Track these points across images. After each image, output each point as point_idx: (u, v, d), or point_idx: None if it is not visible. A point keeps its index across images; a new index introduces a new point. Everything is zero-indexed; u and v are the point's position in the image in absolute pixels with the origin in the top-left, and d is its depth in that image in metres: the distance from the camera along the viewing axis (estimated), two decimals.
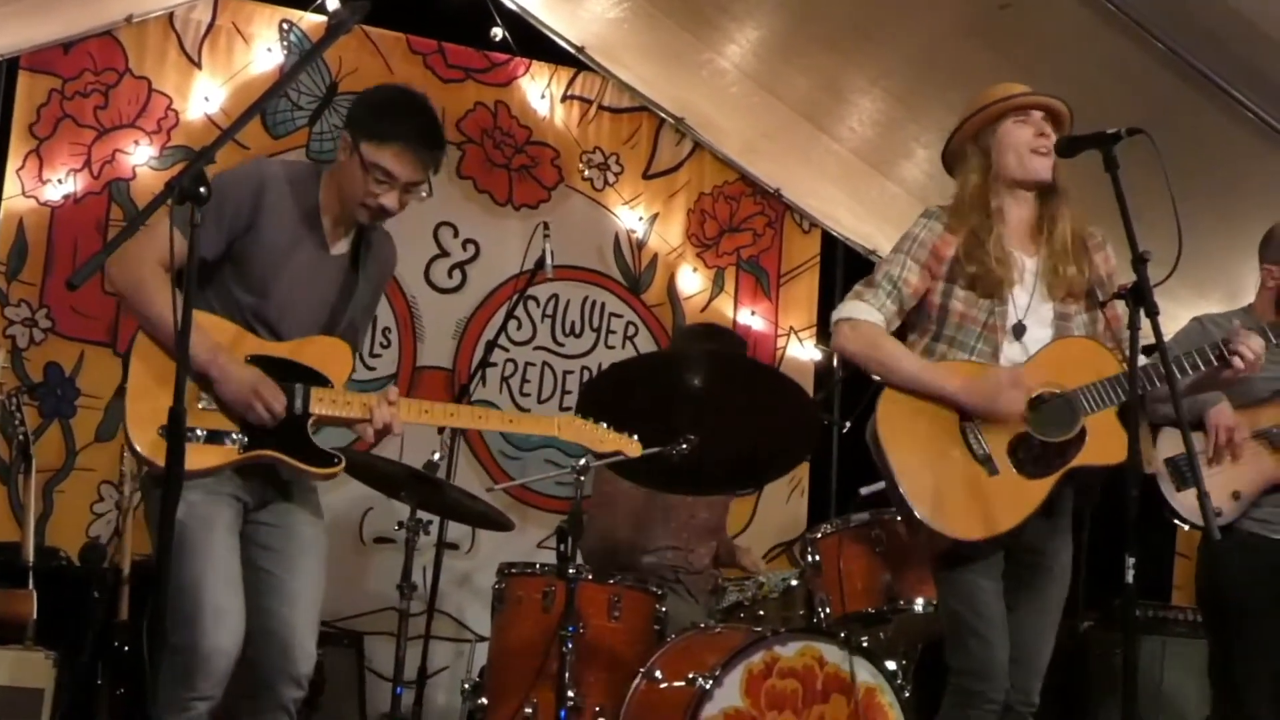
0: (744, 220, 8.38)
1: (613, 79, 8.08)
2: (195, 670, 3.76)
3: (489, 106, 7.91)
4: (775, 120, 7.72)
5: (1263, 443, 5.02)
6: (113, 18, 7.22)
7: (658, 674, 5.03)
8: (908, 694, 5.10)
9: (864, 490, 5.47)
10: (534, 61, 7.98)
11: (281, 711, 3.96)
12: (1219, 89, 5.78)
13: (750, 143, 8.16)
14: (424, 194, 4.11)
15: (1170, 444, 5.06)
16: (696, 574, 6.18)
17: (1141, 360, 3.81)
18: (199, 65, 7.41)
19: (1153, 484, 5.05)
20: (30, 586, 5.70)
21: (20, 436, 6.22)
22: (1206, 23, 5.58)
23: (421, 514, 5.94)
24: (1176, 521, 5.15)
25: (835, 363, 8.03)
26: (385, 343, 7.58)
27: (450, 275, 7.79)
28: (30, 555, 5.86)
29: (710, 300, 8.26)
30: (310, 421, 3.96)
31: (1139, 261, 3.72)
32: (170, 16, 7.38)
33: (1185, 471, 4.98)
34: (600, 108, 8.15)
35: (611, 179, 8.13)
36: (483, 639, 6.90)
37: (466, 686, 5.57)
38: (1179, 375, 4.04)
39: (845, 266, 8.33)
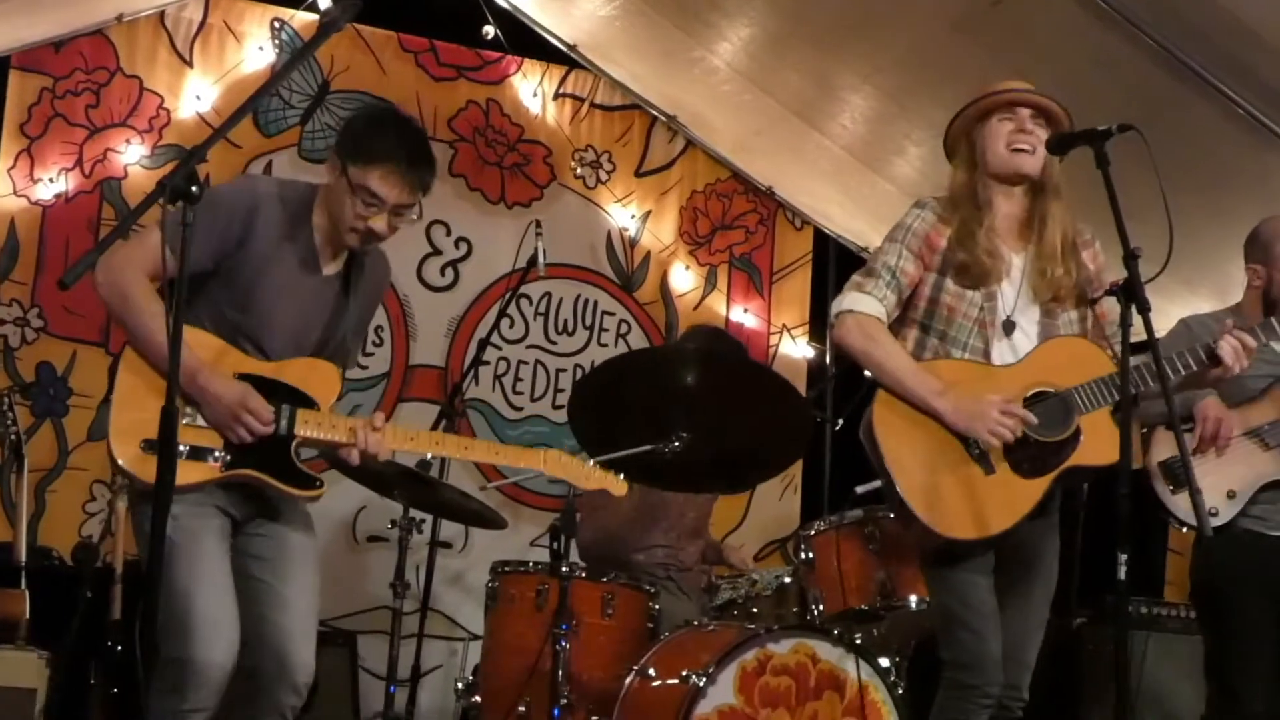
0: (736, 218, 8.39)
1: (605, 77, 8.09)
2: (189, 683, 3.75)
3: (481, 105, 7.91)
4: (767, 118, 7.72)
5: (1256, 441, 5.02)
6: (104, 16, 7.21)
7: (651, 672, 5.03)
8: (901, 690, 5.10)
9: (859, 489, 5.47)
10: (526, 59, 7.99)
11: (280, 719, 3.96)
12: (1209, 85, 5.79)
13: (742, 140, 8.16)
14: (414, 217, 4.09)
15: (1164, 446, 5.06)
16: (688, 571, 6.18)
17: (1133, 360, 3.82)
18: (190, 64, 7.40)
19: (1145, 481, 5.05)
20: (22, 586, 5.70)
21: (12, 436, 6.21)
22: (1196, 19, 5.59)
23: (414, 513, 5.94)
24: (1171, 524, 5.15)
25: (828, 360, 8.07)
26: (378, 341, 7.57)
27: (443, 274, 7.79)
28: (22, 555, 5.86)
29: (703, 298, 8.26)
30: (294, 443, 3.95)
31: (1130, 258, 3.72)
32: (161, 15, 7.38)
33: (1179, 473, 4.98)
34: (592, 106, 8.15)
35: (604, 177, 8.13)
36: (476, 637, 6.92)
37: (460, 685, 5.57)
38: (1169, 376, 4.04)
39: (837, 264, 8.34)
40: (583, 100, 8.14)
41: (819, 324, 8.30)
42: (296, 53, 7.45)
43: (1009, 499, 4.06)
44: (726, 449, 5.06)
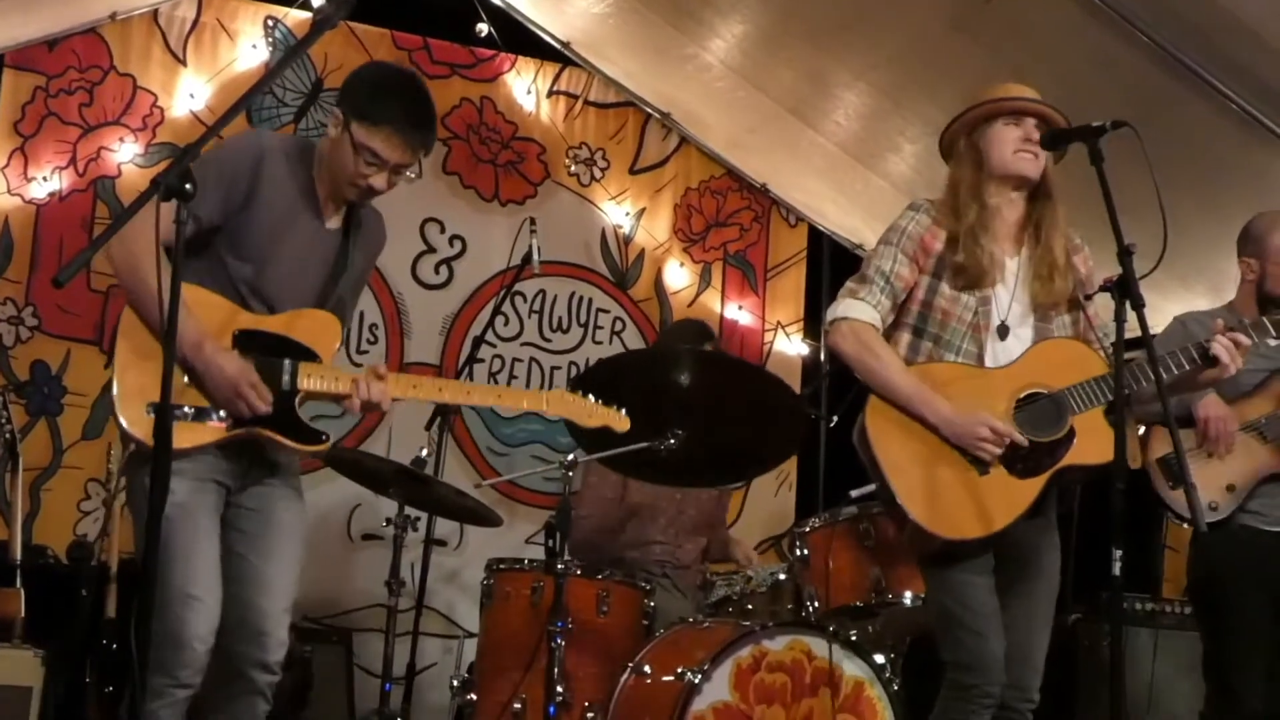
0: (730, 215, 8.39)
1: (598, 74, 8.09)
2: (173, 660, 3.76)
3: (475, 102, 7.91)
4: (761, 115, 7.73)
5: (1254, 434, 5.04)
6: (97, 15, 7.21)
7: (646, 668, 5.04)
8: (896, 687, 5.11)
9: (854, 493, 5.47)
10: (520, 57, 7.98)
11: (256, 695, 3.97)
12: (1203, 82, 5.79)
13: (736, 137, 8.17)
14: (412, 175, 4.10)
15: (1163, 443, 5.07)
16: (684, 569, 6.18)
17: (1127, 356, 3.82)
18: (184, 62, 7.40)
19: (1140, 477, 5.06)
20: (18, 585, 5.70)
21: (7, 435, 6.20)
22: (1191, 17, 5.60)
23: (409, 510, 5.94)
24: (1174, 520, 5.17)
25: (823, 358, 8.07)
26: (372, 339, 7.57)
27: (437, 271, 7.79)
28: (18, 553, 5.85)
29: (697, 295, 8.26)
30: (299, 397, 3.95)
31: (1124, 254, 3.72)
32: (155, 13, 7.38)
33: (1177, 469, 4.99)
34: (586, 103, 8.15)
35: (598, 174, 8.14)
36: (471, 635, 6.93)
37: (455, 682, 5.57)
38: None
39: (832, 261, 8.35)
40: (576, 98, 8.14)
41: (813, 321, 8.31)
42: (290, 50, 7.49)
43: (1004, 499, 4.06)
44: (721, 446, 5.07)
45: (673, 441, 4.87)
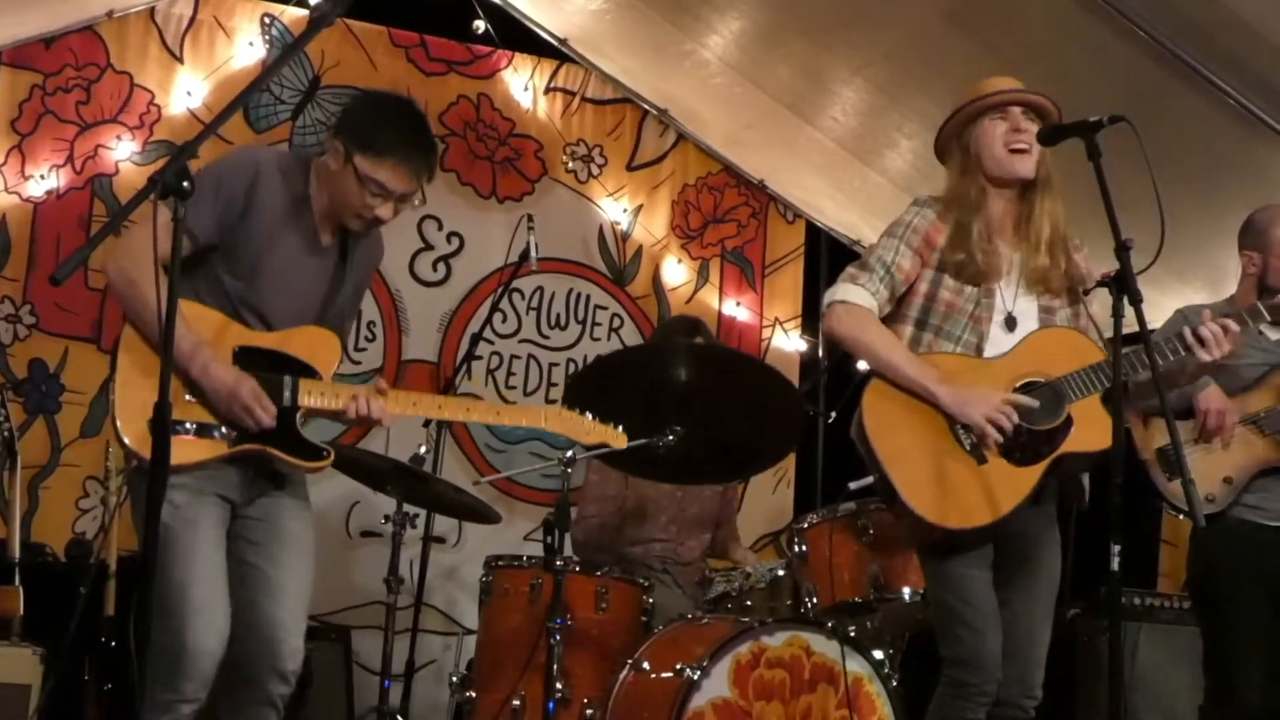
0: (728, 211, 8.39)
1: (595, 71, 8.08)
2: (179, 672, 3.75)
3: (472, 99, 7.91)
4: (758, 111, 7.72)
5: (1252, 428, 5.04)
6: (94, 13, 7.20)
7: (645, 665, 5.04)
8: (895, 683, 5.11)
9: (852, 485, 5.47)
10: (516, 54, 7.98)
11: (269, 707, 3.95)
12: (1200, 77, 5.79)
13: (733, 134, 8.16)
14: (417, 202, 4.12)
15: (1162, 434, 5.07)
16: (684, 565, 6.18)
17: (1124, 349, 3.82)
18: (181, 60, 7.40)
19: (1138, 471, 5.06)
20: (16, 583, 5.69)
21: (5, 433, 6.19)
22: (1187, 11, 5.59)
23: (408, 508, 5.93)
24: (1170, 512, 5.17)
25: (821, 354, 8.06)
26: (370, 336, 7.57)
27: (435, 268, 7.79)
28: (16, 551, 5.85)
29: (695, 292, 8.26)
30: (299, 414, 3.95)
31: (1122, 249, 3.72)
32: (151, 11, 7.37)
33: (1175, 462, 4.99)
34: (583, 100, 8.15)
35: (595, 171, 8.13)
36: (470, 632, 6.93)
37: (454, 679, 5.57)
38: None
39: (829, 257, 8.34)
40: (574, 94, 8.13)
41: (811, 317, 8.30)
42: (287, 48, 7.48)
43: (1002, 488, 4.06)
44: (720, 442, 5.07)
45: (671, 438, 4.88)
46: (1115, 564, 3.60)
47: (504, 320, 7.81)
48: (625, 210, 8.16)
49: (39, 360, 7.05)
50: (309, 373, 3.98)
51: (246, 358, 3.92)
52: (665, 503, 6.18)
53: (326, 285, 4.13)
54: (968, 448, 4.10)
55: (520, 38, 7.87)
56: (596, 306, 8.08)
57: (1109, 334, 4.06)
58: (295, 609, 4.03)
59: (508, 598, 5.42)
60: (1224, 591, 4.99)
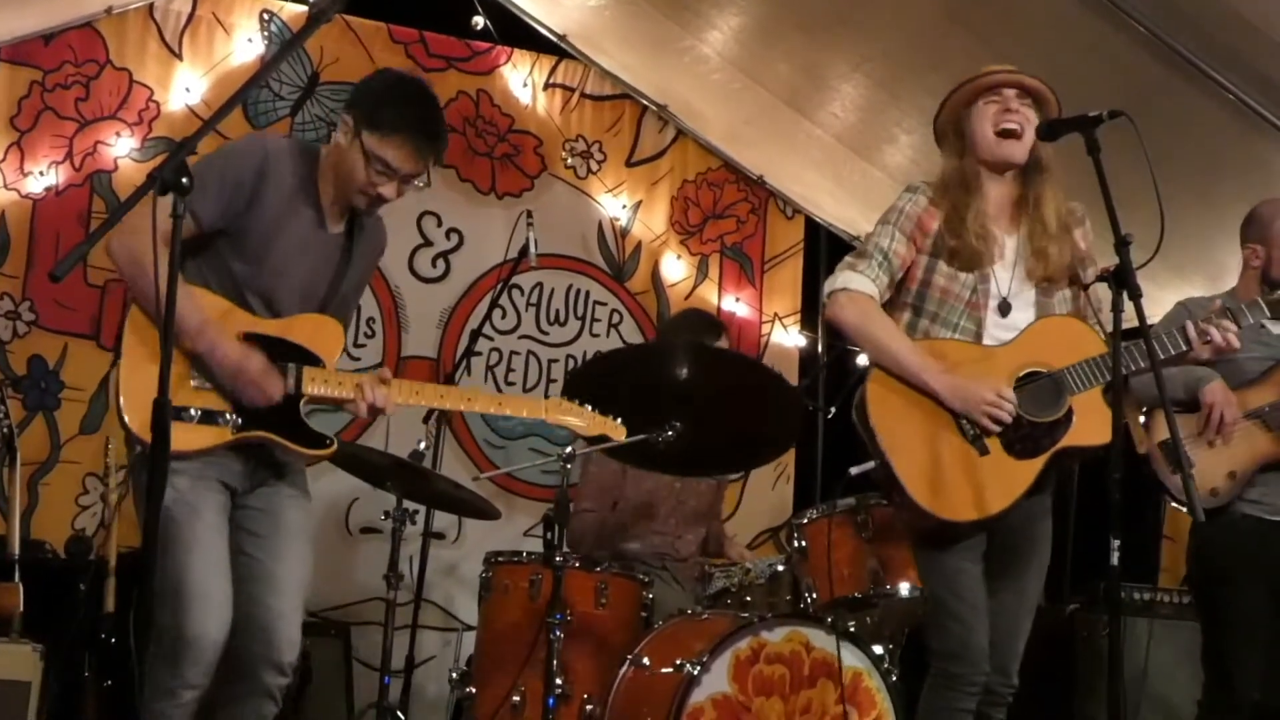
0: (727, 207, 8.39)
1: (595, 67, 8.08)
2: (182, 658, 3.76)
3: (471, 95, 7.91)
4: (757, 107, 7.72)
5: (1256, 422, 5.04)
6: (93, 9, 7.20)
7: (645, 661, 5.04)
8: (895, 678, 5.11)
9: (853, 470, 5.47)
10: (516, 50, 7.98)
11: (266, 698, 3.96)
12: (1199, 71, 5.79)
13: (733, 129, 8.16)
14: (421, 184, 4.11)
15: (1164, 426, 5.07)
16: (683, 561, 6.18)
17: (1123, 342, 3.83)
18: (180, 56, 7.39)
19: (1138, 466, 5.06)
20: (16, 579, 5.69)
21: (4, 430, 6.19)
22: (1187, 6, 5.60)
23: (408, 504, 5.93)
24: (1174, 504, 5.18)
25: (820, 349, 8.07)
26: (370, 333, 7.57)
27: (434, 265, 7.79)
28: (16, 548, 5.84)
29: (694, 288, 8.26)
30: (303, 401, 3.95)
31: (1121, 245, 3.73)
32: (150, 7, 7.37)
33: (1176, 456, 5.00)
34: (582, 96, 8.14)
35: (594, 167, 8.13)
36: (470, 628, 6.93)
37: (454, 675, 5.56)
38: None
39: (829, 252, 8.34)
40: (573, 90, 8.13)
41: (811, 313, 8.31)
42: (285, 44, 7.48)
43: (1003, 481, 4.08)
44: (720, 438, 5.07)
45: (670, 434, 4.88)
46: (1115, 559, 3.60)
47: (503, 316, 7.81)
48: (624, 206, 8.16)
49: (38, 357, 7.05)
50: (312, 360, 3.98)
51: (251, 343, 3.92)
52: (664, 496, 6.18)
53: (332, 273, 4.14)
54: (969, 439, 4.11)
55: (519, 34, 7.87)
56: (596, 303, 8.08)
57: (1107, 325, 4.07)
58: (293, 601, 4.04)
59: (507, 593, 5.41)
60: (1225, 586, 5.00)
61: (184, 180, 3.11)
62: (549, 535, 4.93)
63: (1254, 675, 4.90)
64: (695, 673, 4.82)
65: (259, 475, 4.05)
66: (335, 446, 4.04)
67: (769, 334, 8.39)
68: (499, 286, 7.32)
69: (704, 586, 5.92)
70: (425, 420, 6.66)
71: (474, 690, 5.36)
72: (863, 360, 4.35)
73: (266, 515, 4.05)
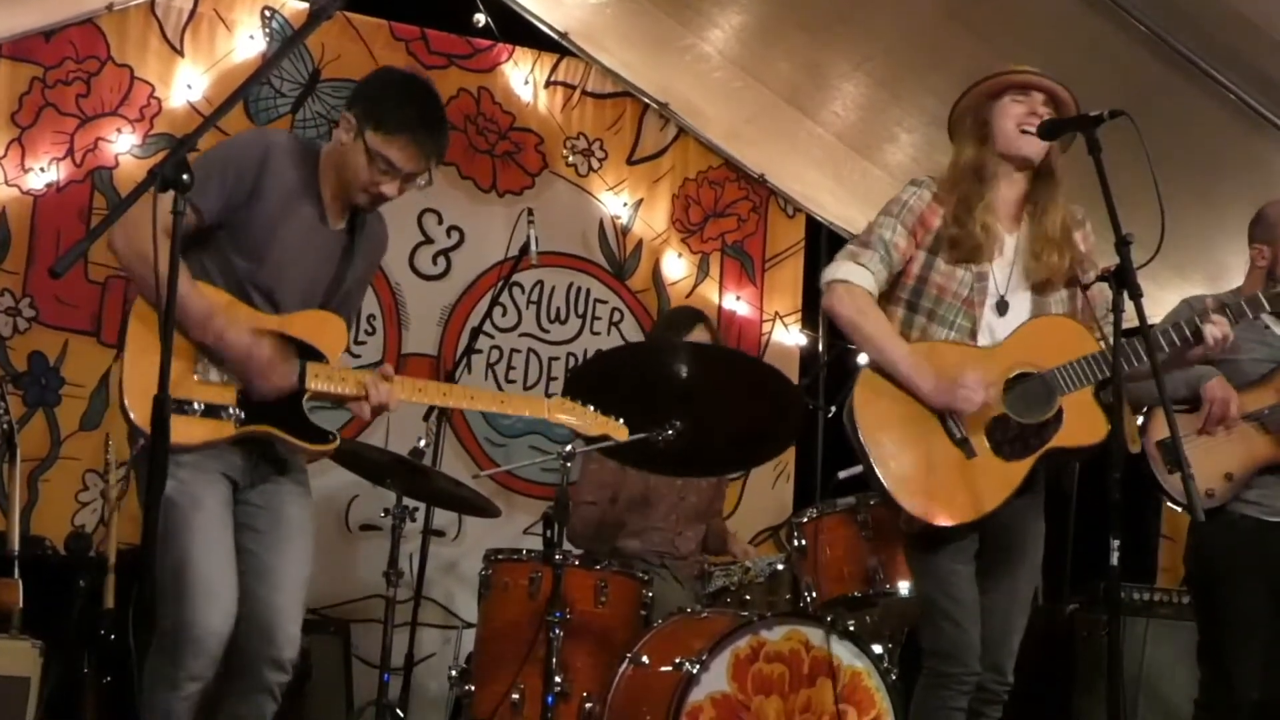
0: (728, 206, 8.39)
1: (596, 65, 8.08)
2: (186, 650, 3.75)
3: (472, 93, 7.90)
4: (759, 105, 7.72)
5: (1255, 425, 5.04)
6: (94, 6, 7.20)
7: (645, 659, 5.04)
8: (894, 677, 5.11)
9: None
10: (517, 47, 7.98)
11: (265, 694, 3.97)
12: (1200, 71, 5.79)
13: (734, 128, 8.16)
14: (422, 183, 4.11)
15: (1162, 427, 5.07)
16: (683, 559, 6.18)
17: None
18: (181, 53, 7.39)
19: (1137, 466, 5.06)
20: (16, 576, 5.69)
21: (4, 426, 6.19)
22: (1187, 5, 5.59)
23: (408, 501, 5.94)
24: (1168, 504, 5.17)
25: (821, 348, 8.07)
26: (370, 330, 7.57)
27: (435, 262, 7.79)
28: (16, 544, 5.85)
29: (695, 286, 8.26)
30: (306, 397, 3.95)
31: (1122, 244, 3.73)
32: (151, 4, 7.37)
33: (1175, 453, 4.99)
34: (584, 94, 8.14)
35: (595, 165, 8.13)
36: (469, 625, 6.91)
37: (454, 673, 5.56)
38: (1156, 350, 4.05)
39: (829, 251, 8.31)
40: (574, 88, 8.13)
41: (811, 311, 8.31)
42: (286, 41, 7.48)
43: (991, 482, 4.09)
44: (720, 436, 5.08)
45: (670, 433, 4.88)
46: (1114, 558, 3.60)
47: (504, 314, 7.81)
48: (625, 204, 8.16)
49: (38, 353, 7.05)
50: (315, 356, 3.99)
51: (258, 334, 3.92)
52: (665, 491, 6.17)
53: (334, 270, 4.13)
54: (957, 440, 4.12)
55: (521, 31, 7.87)
56: (596, 300, 8.08)
57: (1106, 325, 4.07)
58: (293, 597, 4.04)
59: (507, 591, 5.42)
60: (1223, 586, 4.99)
61: (184, 177, 3.10)
62: (549, 533, 4.93)
63: (1253, 674, 4.90)
64: (694, 671, 4.83)
65: (261, 470, 4.05)
66: (338, 442, 4.04)
67: (770, 333, 8.39)
68: (500, 284, 7.32)
69: (703, 585, 5.93)
70: (425, 418, 6.66)
71: (473, 688, 5.37)
72: (863, 359, 4.35)
73: (268, 512, 4.05)
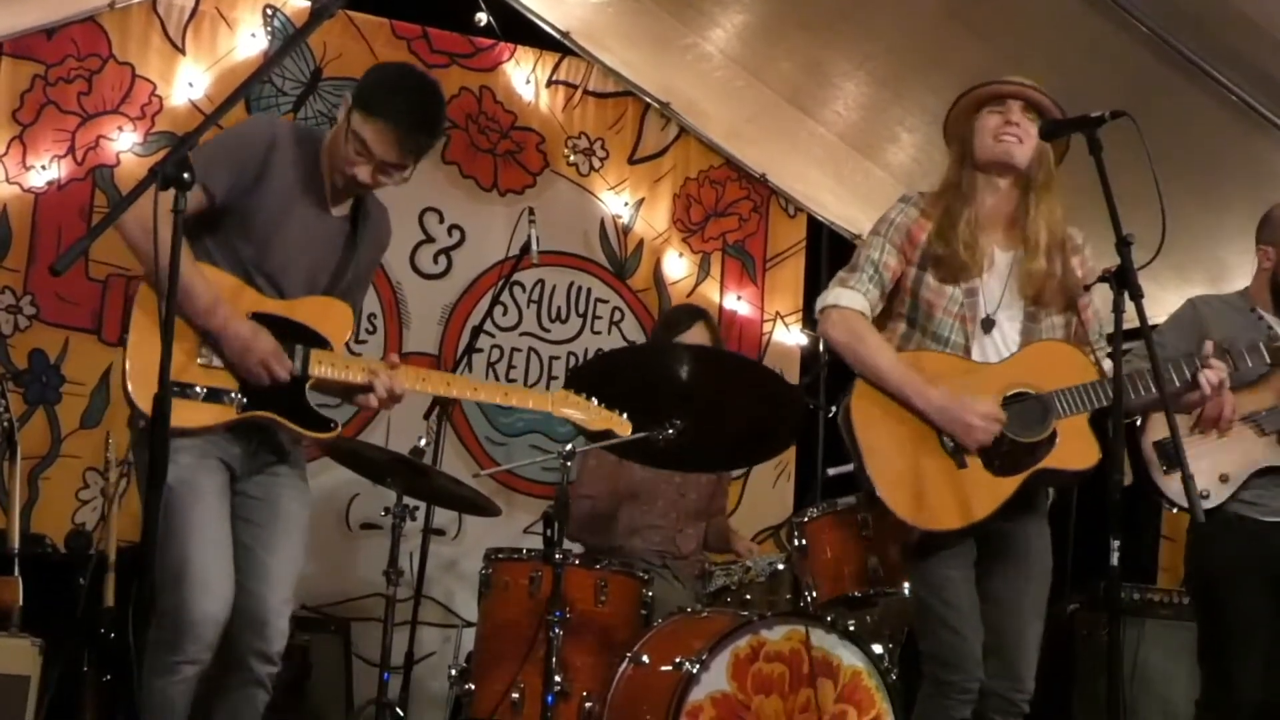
0: (730, 205, 8.39)
1: (597, 64, 8.08)
2: (183, 636, 3.77)
3: (474, 92, 7.90)
4: (760, 104, 7.72)
5: (1252, 426, 5.03)
6: (96, 3, 7.20)
7: (645, 658, 5.04)
8: (894, 677, 5.11)
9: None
10: (519, 46, 7.98)
11: (258, 686, 4.00)
12: (1200, 71, 5.79)
13: (735, 127, 8.16)
14: (403, 178, 4.09)
15: (1159, 428, 5.07)
16: (683, 558, 6.18)
17: (1125, 346, 3.82)
18: (183, 51, 7.39)
19: (1138, 466, 5.06)
20: (16, 574, 5.69)
21: (5, 423, 6.19)
22: (1188, 5, 5.59)
23: (408, 500, 5.94)
24: (1164, 504, 5.17)
25: (821, 348, 8.06)
26: (371, 329, 7.57)
27: (436, 261, 7.79)
28: (16, 542, 5.85)
29: (696, 285, 8.26)
30: (309, 384, 3.96)
31: (1123, 245, 3.72)
32: (153, 2, 7.37)
33: (1173, 455, 4.98)
34: (585, 93, 8.14)
35: (597, 164, 8.13)
36: (469, 624, 6.91)
37: (454, 672, 5.57)
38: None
39: (831, 251, 8.34)
40: (575, 87, 8.13)
41: (813, 311, 8.27)
42: (288, 39, 7.48)
43: (978, 494, 4.09)
44: (720, 435, 5.08)
45: (671, 432, 4.88)
46: (1114, 559, 3.60)
47: (505, 313, 7.81)
48: (626, 203, 8.16)
49: (39, 351, 7.05)
50: (321, 343, 3.99)
51: (260, 322, 3.94)
52: (664, 488, 6.17)
53: (337, 257, 4.14)
54: (949, 451, 4.12)
55: (522, 30, 7.87)
56: (597, 300, 8.08)
57: (1108, 329, 4.06)
58: (285, 594, 4.06)
59: (507, 590, 5.42)
60: (1223, 585, 4.99)
61: (185, 176, 3.10)
62: (549, 532, 4.93)
63: (1254, 674, 4.89)
64: (694, 671, 4.83)
65: (259, 459, 4.06)
66: (338, 430, 4.05)
67: (770, 332, 8.39)
68: (500, 283, 7.32)
69: (704, 584, 5.93)
70: (426, 417, 6.65)
71: (473, 687, 5.37)
72: None
73: (264, 504, 4.06)
